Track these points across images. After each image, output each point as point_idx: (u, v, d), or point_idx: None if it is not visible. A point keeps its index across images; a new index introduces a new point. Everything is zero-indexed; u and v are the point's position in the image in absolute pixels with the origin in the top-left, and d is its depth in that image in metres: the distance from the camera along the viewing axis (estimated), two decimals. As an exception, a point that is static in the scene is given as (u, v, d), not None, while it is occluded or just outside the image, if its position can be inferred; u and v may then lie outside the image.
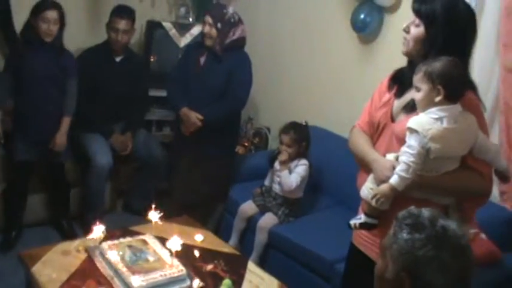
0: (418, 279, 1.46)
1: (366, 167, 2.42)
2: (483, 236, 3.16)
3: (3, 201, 4.10)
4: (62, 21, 3.93)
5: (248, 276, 2.97)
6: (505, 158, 3.36)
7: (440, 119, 2.16)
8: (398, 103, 2.41)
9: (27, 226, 4.19)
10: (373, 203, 2.28)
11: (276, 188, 3.97)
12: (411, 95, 2.32)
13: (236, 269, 3.01)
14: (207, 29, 4.00)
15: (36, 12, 3.84)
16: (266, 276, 3.00)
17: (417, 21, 2.29)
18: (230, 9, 4.11)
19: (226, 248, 3.33)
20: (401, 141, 2.27)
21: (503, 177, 2.41)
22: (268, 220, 3.88)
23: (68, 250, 2.98)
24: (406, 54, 2.37)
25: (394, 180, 2.21)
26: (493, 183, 3.23)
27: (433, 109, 2.17)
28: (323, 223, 3.85)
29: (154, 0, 5.21)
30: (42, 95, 3.96)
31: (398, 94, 2.41)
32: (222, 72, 4.03)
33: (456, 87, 2.17)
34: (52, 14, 3.85)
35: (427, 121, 2.16)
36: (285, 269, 3.59)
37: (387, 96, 2.46)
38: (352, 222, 2.43)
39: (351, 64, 4.41)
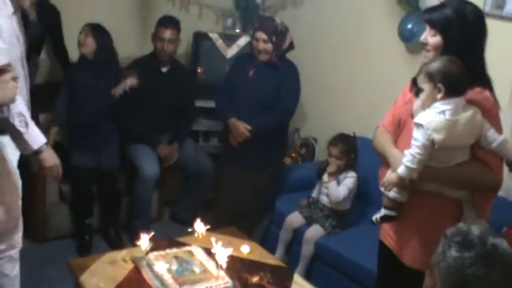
0: None
1: (387, 163, 2.53)
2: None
3: (73, 208, 4.27)
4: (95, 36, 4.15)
5: (294, 288, 2.95)
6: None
7: (443, 112, 2.27)
8: (416, 102, 2.47)
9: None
10: (392, 195, 2.44)
11: (323, 199, 3.94)
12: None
13: (282, 281, 2.99)
14: (262, 45, 4.00)
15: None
16: (312, 288, 2.98)
17: (432, 31, 2.41)
18: (278, 20, 4.12)
19: (272, 259, 3.32)
20: None
21: None
22: (314, 232, 3.86)
23: (115, 260, 3.02)
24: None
25: (401, 169, 2.35)
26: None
27: (437, 103, 2.29)
28: (370, 235, 3.76)
29: (201, 11, 5.27)
30: (93, 108, 4.12)
31: (417, 93, 2.48)
32: (271, 83, 4.04)
33: (455, 83, 2.27)
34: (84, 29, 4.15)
35: (431, 115, 2.28)
36: (331, 282, 3.56)
37: (409, 95, 2.56)
38: (374, 217, 2.60)
39: (398, 74, 4.34)
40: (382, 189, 2.52)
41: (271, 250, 3.74)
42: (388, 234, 2.67)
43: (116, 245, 4.03)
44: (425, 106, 2.33)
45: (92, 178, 4.24)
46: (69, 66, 4.37)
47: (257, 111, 4.04)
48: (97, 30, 4.16)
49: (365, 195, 4.15)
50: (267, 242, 4.07)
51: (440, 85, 2.26)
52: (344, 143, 3.92)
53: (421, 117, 2.30)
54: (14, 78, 2.45)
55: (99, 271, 2.90)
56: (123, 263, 3.00)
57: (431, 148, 2.28)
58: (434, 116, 2.27)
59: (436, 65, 2.28)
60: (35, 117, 4.10)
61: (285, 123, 4.25)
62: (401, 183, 2.38)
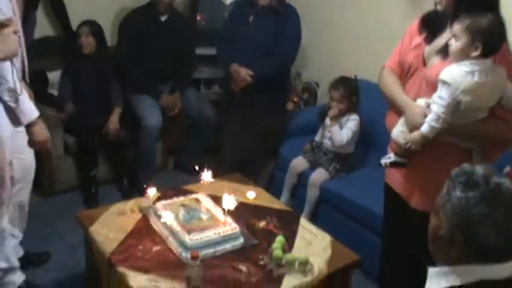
0: (471, 236, 1.44)
1: (397, 109, 2.52)
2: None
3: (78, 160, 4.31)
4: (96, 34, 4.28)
5: (301, 232, 2.99)
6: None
7: (472, 72, 2.20)
8: (429, 48, 2.44)
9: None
10: (405, 146, 2.42)
11: (327, 143, 3.95)
12: (443, 39, 2.37)
13: (289, 225, 3.03)
14: None
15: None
16: (318, 232, 3.02)
17: None
18: None
19: (278, 204, 3.35)
20: (433, 86, 2.34)
21: None
22: (319, 175, 3.89)
23: (124, 210, 3.06)
24: (445, 10, 2.37)
25: (424, 128, 2.32)
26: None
27: (466, 62, 2.22)
28: (374, 178, 3.79)
29: (198, -43, 5.17)
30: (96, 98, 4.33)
31: (429, 39, 2.45)
32: (271, 28, 4.02)
33: (495, 48, 2.22)
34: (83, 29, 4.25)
35: (459, 74, 2.21)
36: (336, 224, 3.60)
37: (418, 39, 2.50)
38: (383, 161, 2.60)
39: (399, 17, 4.30)
40: (394, 136, 2.50)
41: (277, 195, 3.78)
42: (395, 178, 2.68)
43: (129, 195, 4.07)
44: (453, 58, 2.26)
45: (96, 131, 4.26)
46: (70, 60, 4.40)
47: (258, 57, 4.02)
48: (94, 27, 4.29)
49: (368, 138, 4.16)
50: (273, 187, 4.10)
51: (479, 44, 2.18)
52: (345, 86, 3.91)
53: (448, 74, 2.23)
54: (15, 32, 2.44)
55: (108, 222, 2.93)
56: (131, 213, 3.03)
57: (456, 107, 2.25)
58: (463, 76, 2.21)
59: (484, 22, 2.16)
60: (42, 75, 4.16)
61: (287, 68, 4.25)
62: (425, 142, 2.36)
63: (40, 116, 2.84)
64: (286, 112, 4.56)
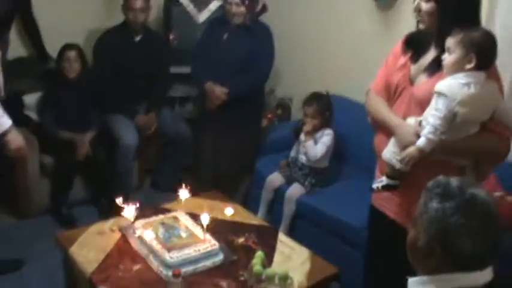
0: (448, 246, 1.49)
1: (386, 131, 2.48)
2: (510, 198, 3.19)
3: (52, 182, 4.26)
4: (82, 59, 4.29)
5: (279, 247, 3.03)
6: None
7: (467, 84, 2.21)
8: (415, 67, 2.45)
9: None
10: (400, 165, 2.36)
11: (302, 158, 4.01)
12: (429, 57, 2.39)
13: (267, 240, 3.07)
14: (234, 9, 4.02)
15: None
16: (297, 246, 3.07)
17: None
18: None
19: (256, 220, 3.39)
20: (421, 105, 2.34)
21: None
22: (295, 190, 3.93)
23: (103, 230, 3.07)
24: (427, 30, 2.39)
25: (422, 142, 2.27)
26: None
27: (461, 74, 2.22)
28: (349, 191, 3.88)
29: (170, -24, 5.22)
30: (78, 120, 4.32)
31: (414, 58, 2.46)
32: (245, 46, 4.07)
33: (488, 59, 2.24)
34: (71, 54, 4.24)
35: (456, 85, 2.21)
36: (313, 238, 3.64)
37: (403, 59, 2.50)
38: (375, 185, 2.54)
39: (369, 32, 4.39)
40: (385, 158, 2.47)
41: (254, 211, 3.82)
42: (384, 201, 2.63)
43: (107, 214, 4.05)
44: (448, 71, 2.27)
45: (74, 151, 4.24)
46: (50, 86, 4.40)
47: (232, 75, 4.07)
48: (81, 51, 4.31)
49: (342, 153, 4.23)
50: (249, 204, 4.13)
51: (473, 55, 2.20)
52: (318, 101, 3.97)
53: (444, 86, 2.23)
54: None
55: (87, 242, 2.94)
56: (110, 232, 3.05)
57: (452, 120, 2.24)
58: (459, 88, 2.21)
59: (476, 36, 2.20)
60: (17, 98, 4.16)
61: (260, 86, 4.29)
62: (421, 156, 2.31)
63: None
64: (261, 129, 4.60)
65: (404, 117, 2.42)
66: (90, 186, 4.43)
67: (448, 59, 2.26)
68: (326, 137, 3.94)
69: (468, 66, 2.21)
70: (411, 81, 2.44)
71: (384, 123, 2.50)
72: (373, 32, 4.35)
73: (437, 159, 2.33)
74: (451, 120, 2.23)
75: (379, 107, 2.55)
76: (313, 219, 3.78)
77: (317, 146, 3.91)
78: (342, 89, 4.48)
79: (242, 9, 4.00)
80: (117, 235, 3.02)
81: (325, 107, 3.98)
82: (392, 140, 2.44)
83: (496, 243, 1.51)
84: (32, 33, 4.50)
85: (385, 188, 2.49)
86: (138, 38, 4.52)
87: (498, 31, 3.45)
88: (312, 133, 3.93)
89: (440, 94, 2.23)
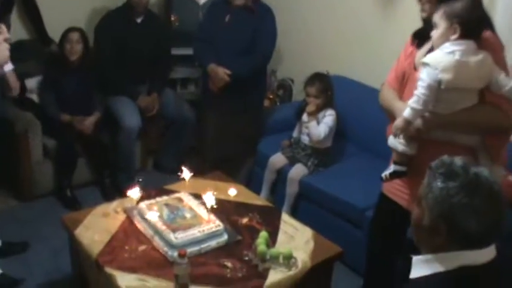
0: (453, 224, 1.51)
1: (394, 119, 2.50)
2: (511, 177, 3.20)
3: (55, 165, 4.27)
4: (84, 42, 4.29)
5: (283, 227, 3.05)
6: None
7: (453, 52, 2.25)
8: (419, 54, 2.49)
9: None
10: (401, 147, 2.42)
11: (305, 139, 4.02)
12: (430, 44, 2.42)
13: (270, 220, 3.10)
14: None
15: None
16: (300, 226, 3.09)
17: None
18: None
19: (259, 200, 3.41)
20: None
21: None
22: (298, 171, 3.95)
23: (107, 212, 3.09)
24: (428, 17, 2.43)
25: (406, 112, 2.34)
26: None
27: (447, 44, 2.28)
28: (352, 171, 3.90)
29: (171, -42, 5.20)
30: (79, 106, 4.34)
31: (419, 45, 2.52)
32: (247, 27, 4.06)
33: (472, 27, 2.26)
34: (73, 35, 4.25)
35: (440, 55, 2.27)
36: (316, 218, 3.66)
37: (410, 49, 2.57)
38: (384, 174, 2.57)
39: (371, 14, 4.38)
40: (390, 144, 2.51)
41: (257, 192, 3.83)
42: (393, 188, 2.67)
43: (111, 196, 4.07)
44: (435, 45, 2.31)
45: (77, 136, 4.26)
46: (50, 68, 4.38)
47: (235, 56, 4.06)
48: (83, 34, 4.29)
49: (344, 132, 4.24)
50: (252, 184, 4.15)
51: (456, 26, 2.24)
52: (320, 81, 3.98)
53: (428, 57, 2.28)
54: (6, 40, 2.48)
55: (92, 224, 2.97)
56: (115, 214, 3.07)
57: (438, 89, 2.26)
58: (443, 56, 2.25)
59: (458, 6, 2.23)
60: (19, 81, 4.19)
61: (263, 67, 4.28)
62: (408, 127, 2.35)
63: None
64: (263, 109, 4.60)
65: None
66: (94, 168, 4.44)
67: (435, 34, 2.32)
68: (328, 117, 3.95)
69: (453, 36, 2.26)
70: (415, 68, 2.49)
71: (390, 110, 2.56)
72: (375, 14, 4.34)
73: (442, 141, 2.35)
74: (436, 88, 2.27)
75: (388, 96, 2.62)
76: (316, 200, 3.81)
77: (320, 126, 3.92)
78: (343, 70, 4.48)
79: None
80: (122, 217, 3.04)
81: (326, 87, 3.99)
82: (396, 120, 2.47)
83: (499, 222, 1.53)
84: (33, 16, 4.49)
85: (393, 175, 2.53)
86: (139, 20, 4.50)
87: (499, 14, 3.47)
88: (315, 113, 3.94)
89: (425, 64, 2.28)
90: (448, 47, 2.26)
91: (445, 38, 2.28)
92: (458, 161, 1.57)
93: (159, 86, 4.64)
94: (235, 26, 4.07)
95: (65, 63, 4.27)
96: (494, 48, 2.35)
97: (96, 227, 2.93)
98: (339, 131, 4.15)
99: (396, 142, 2.47)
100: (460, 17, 2.23)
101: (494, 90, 2.33)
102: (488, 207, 1.51)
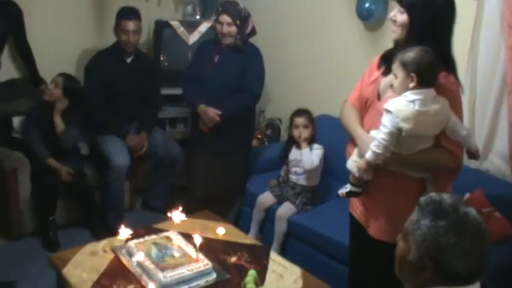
0: (440, 262, 1.53)
1: (354, 141, 2.63)
2: (497, 214, 3.25)
3: (36, 204, 4.23)
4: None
5: (271, 265, 3.05)
6: None
7: (413, 101, 2.34)
8: (384, 81, 2.57)
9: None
10: (356, 174, 2.52)
11: (293, 178, 4.05)
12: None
13: (259, 259, 3.09)
14: (226, 28, 4.04)
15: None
16: (288, 264, 3.09)
17: (401, 8, 2.47)
18: (241, 4, 4.17)
19: (248, 239, 3.41)
20: None
21: (473, 156, 2.61)
22: (286, 209, 3.97)
23: (96, 251, 3.07)
24: (398, 40, 2.52)
25: (368, 154, 2.44)
26: (505, 162, 3.35)
27: (408, 93, 2.36)
28: (339, 209, 3.88)
29: (160, -1, 5.30)
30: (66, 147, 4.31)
31: (386, 72, 2.58)
32: (236, 67, 4.11)
33: (428, 74, 2.35)
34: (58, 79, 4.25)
35: (401, 103, 2.35)
36: (305, 256, 3.67)
37: (376, 74, 2.64)
38: (340, 191, 2.70)
39: (357, 52, 4.46)
40: (349, 167, 2.61)
41: (246, 230, 3.84)
42: (355, 206, 2.78)
43: (99, 235, 4.04)
44: (396, 93, 2.40)
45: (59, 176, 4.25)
46: (35, 109, 4.37)
47: (224, 96, 4.10)
48: (69, 82, 4.29)
49: (331, 171, 4.26)
50: (241, 223, 4.16)
51: (413, 74, 2.33)
52: (307, 113, 4.08)
53: (391, 104, 2.37)
54: None
55: (80, 263, 2.95)
56: (103, 253, 3.05)
57: (398, 135, 2.36)
58: (404, 105, 2.34)
59: (410, 55, 2.34)
60: (6, 120, 4.20)
61: (252, 106, 4.33)
62: (370, 167, 2.47)
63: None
64: (252, 149, 4.64)
65: (369, 130, 2.55)
66: (82, 207, 4.43)
67: (395, 83, 2.42)
68: (318, 150, 4.02)
69: (411, 84, 2.35)
70: (379, 96, 2.57)
71: (351, 133, 2.66)
72: (361, 52, 4.42)
73: (395, 171, 2.47)
74: (396, 135, 2.36)
75: (349, 119, 2.71)
76: (305, 238, 3.81)
77: (312, 154, 3.97)
78: (329, 109, 4.53)
79: (233, 28, 4.04)
80: (110, 255, 3.03)
81: (312, 120, 4.08)
82: (355, 150, 2.60)
83: (485, 260, 1.56)
84: (25, 55, 4.53)
85: (349, 194, 2.65)
86: (129, 60, 4.56)
87: (482, 54, 3.55)
88: (308, 140, 4.01)
89: (387, 111, 2.37)
90: (408, 95, 2.35)
91: (404, 86, 2.37)
92: (447, 199, 1.60)
93: (149, 125, 4.67)
94: (225, 65, 4.12)
95: (47, 104, 4.26)
96: (451, 94, 2.43)
97: (85, 266, 2.91)
98: (326, 170, 4.19)
99: (353, 167, 2.57)
100: (415, 66, 2.32)
101: (448, 135, 2.43)
102: (476, 247, 1.53)
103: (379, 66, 2.65)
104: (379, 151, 2.40)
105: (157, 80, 4.78)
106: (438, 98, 2.38)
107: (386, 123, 2.37)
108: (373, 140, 2.44)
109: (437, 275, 1.55)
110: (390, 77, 2.52)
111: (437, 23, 2.43)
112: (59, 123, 4.23)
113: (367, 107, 2.63)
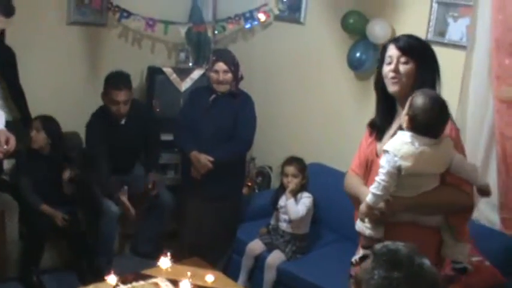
0: None
1: (359, 204, 2.53)
2: (487, 263, 3.24)
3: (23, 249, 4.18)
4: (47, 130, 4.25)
5: (260, 314, 3.03)
6: (503, 186, 3.47)
7: (412, 142, 2.31)
8: (384, 139, 2.56)
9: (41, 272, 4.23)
10: (368, 231, 2.44)
11: (283, 225, 4.04)
12: (392, 129, 2.52)
13: (248, 307, 3.07)
14: (222, 76, 4.06)
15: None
16: (278, 313, 3.06)
17: (403, 58, 2.45)
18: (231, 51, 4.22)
19: (237, 287, 3.38)
20: None
21: (483, 193, 2.49)
22: (276, 257, 3.94)
23: (83, 296, 3.05)
24: (399, 92, 2.49)
25: (368, 197, 2.38)
26: (494, 211, 3.35)
27: (408, 134, 2.33)
28: (330, 258, 3.90)
29: (153, 46, 5.35)
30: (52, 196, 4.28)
31: (379, 137, 2.59)
32: (229, 113, 4.13)
33: (418, 126, 2.31)
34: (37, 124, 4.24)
35: (399, 142, 2.33)
36: (294, 306, 3.64)
37: (370, 139, 2.64)
38: (353, 259, 2.59)
39: (347, 101, 4.51)
40: (358, 229, 2.54)
41: (234, 278, 3.81)
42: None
43: (86, 280, 3.99)
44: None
45: (47, 220, 4.21)
46: (23, 154, 4.30)
47: (217, 142, 4.11)
48: (48, 123, 4.27)
49: (322, 219, 4.27)
50: (230, 271, 4.11)
51: (407, 117, 2.32)
52: (298, 162, 4.08)
53: (388, 145, 2.36)
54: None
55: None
56: (90, 299, 3.03)
57: (398, 175, 2.33)
58: (402, 144, 2.32)
59: (418, 101, 2.31)
60: None
61: (244, 153, 4.34)
62: (371, 212, 2.39)
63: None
64: (242, 196, 4.63)
65: None
66: (72, 251, 4.38)
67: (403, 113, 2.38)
68: (306, 199, 4.01)
69: (403, 125, 2.35)
70: (377, 154, 2.55)
71: (356, 195, 2.59)
72: (351, 101, 4.48)
73: (406, 222, 2.40)
74: (396, 175, 2.32)
75: (352, 182, 2.66)
76: (294, 286, 3.78)
77: (298, 205, 3.96)
78: (320, 157, 4.56)
79: (229, 75, 4.07)
80: (98, 301, 3.00)
81: (304, 168, 4.08)
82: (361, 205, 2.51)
83: None
84: (16, 96, 4.53)
85: (362, 259, 2.51)
86: (123, 121, 4.49)
87: (471, 104, 3.61)
88: (294, 192, 3.99)
89: (384, 151, 2.35)
90: (408, 137, 2.33)
91: (403, 120, 2.36)
92: (403, 248, 1.58)
93: (155, 165, 4.69)
94: (217, 112, 4.13)
95: (34, 152, 4.24)
96: (450, 134, 2.42)
97: (71, 312, 2.89)
98: (316, 218, 4.19)
99: (363, 227, 2.50)
100: (412, 111, 2.31)
101: (453, 173, 2.39)
102: None
103: (371, 133, 2.65)
104: (378, 192, 2.34)
105: (155, 126, 4.75)
106: (440, 139, 2.35)
107: (384, 163, 2.34)
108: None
109: None
110: (387, 135, 2.54)
111: (435, 68, 2.49)
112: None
113: (368, 169, 2.61)
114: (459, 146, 2.46)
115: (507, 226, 3.58)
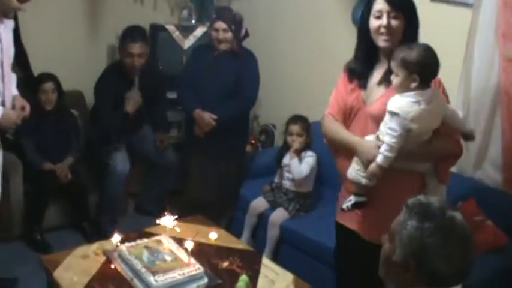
0: (424, 264, 1.55)
1: (347, 151, 2.60)
2: (489, 222, 3.26)
3: (26, 208, 4.21)
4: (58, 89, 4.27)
5: (263, 271, 3.05)
6: (507, 145, 3.47)
7: (418, 102, 2.36)
8: (366, 91, 2.60)
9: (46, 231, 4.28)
10: (366, 181, 2.48)
11: (286, 183, 4.05)
12: (378, 75, 2.58)
13: (251, 264, 3.09)
14: (222, 35, 4.04)
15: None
16: (280, 270, 3.09)
17: (394, 13, 2.48)
18: (234, 9, 4.16)
19: (240, 244, 3.41)
20: (378, 121, 2.48)
21: (468, 138, 2.65)
22: (279, 215, 3.96)
23: (87, 254, 3.07)
24: (392, 47, 2.50)
25: (380, 159, 2.42)
26: (497, 171, 3.36)
27: (411, 93, 2.38)
28: (333, 216, 3.90)
29: (156, 3, 5.28)
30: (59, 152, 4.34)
31: (362, 84, 2.62)
32: (232, 71, 4.11)
33: (430, 75, 2.41)
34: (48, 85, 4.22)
35: (407, 104, 2.37)
36: (297, 263, 3.66)
37: (351, 85, 2.66)
38: (345, 205, 2.66)
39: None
40: (351, 176, 2.56)
41: (238, 236, 3.83)
42: (347, 214, 2.74)
43: (91, 238, 4.03)
44: (396, 91, 2.42)
45: (53, 179, 4.23)
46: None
47: (220, 101, 4.11)
48: (57, 82, 4.28)
49: (324, 178, 4.27)
50: (233, 228, 4.14)
51: (416, 76, 2.35)
52: (302, 120, 4.08)
53: (395, 106, 2.37)
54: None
55: (71, 266, 2.94)
56: (94, 256, 3.05)
57: (407, 136, 2.38)
58: (409, 106, 2.35)
59: (414, 55, 2.35)
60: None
61: (248, 111, 4.34)
62: (382, 172, 2.44)
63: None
64: (246, 154, 4.63)
65: (362, 136, 2.55)
66: (74, 209, 4.42)
67: (395, 80, 2.42)
68: (309, 158, 4.02)
69: (413, 85, 2.37)
70: (364, 102, 2.58)
71: (344, 143, 2.62)
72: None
73: (398, 168, 2.45)
74: (406, 136, 2.38)
75: (338, 129, 2.67)
76: (297, 244, 3.82)
77: (302, 165, 3.97)
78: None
79: (229, 34, 4.04)
80: (102, 259, 3.02)
81: (308, 127, 4.07)
82: (355, 159, 2.55)
83: (470, 265, 1.57)
84: (19, 56, 4.49)
85: (355, 206, 2.62)
86: (137, 79, 4.46)
87: (477, 63, 3.57)
88: (298, 151, 3.99)
89: (393, 114, 2.37)
90: (413, 96, 2.37)
91: (406, 86, 2.39)
92: (435, 202, 1.61)
93: (162, 125, 4.72)
94: (220, 70, 4.12)
95: (41, 111, 4.21)
96: (440, 84, 2.55)
97: (76, 269, 2.91)
98: (319, 176, 4.19)
99: (358, 176, 2.53)
100: (418, 66, 2.34)
101: (447, 123, 2.50)
102: (460, 251, 1.54)
103: (350, 80, 2.66)
104: (391, 155, 2.39)
105: (163, 85, 4.74)
106: (435, 93, 2.44)
107: (396, 126, 2.37)
108: (376, 143, 2.45)
109: (420, 275, 1.56)
110: (372, 82, 2.58)
111: (417, 25, 2.55)
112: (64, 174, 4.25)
113: (351, 116, 2.63)
114: (445, 94, 2.56)
115: (511, 186, 3.58)
